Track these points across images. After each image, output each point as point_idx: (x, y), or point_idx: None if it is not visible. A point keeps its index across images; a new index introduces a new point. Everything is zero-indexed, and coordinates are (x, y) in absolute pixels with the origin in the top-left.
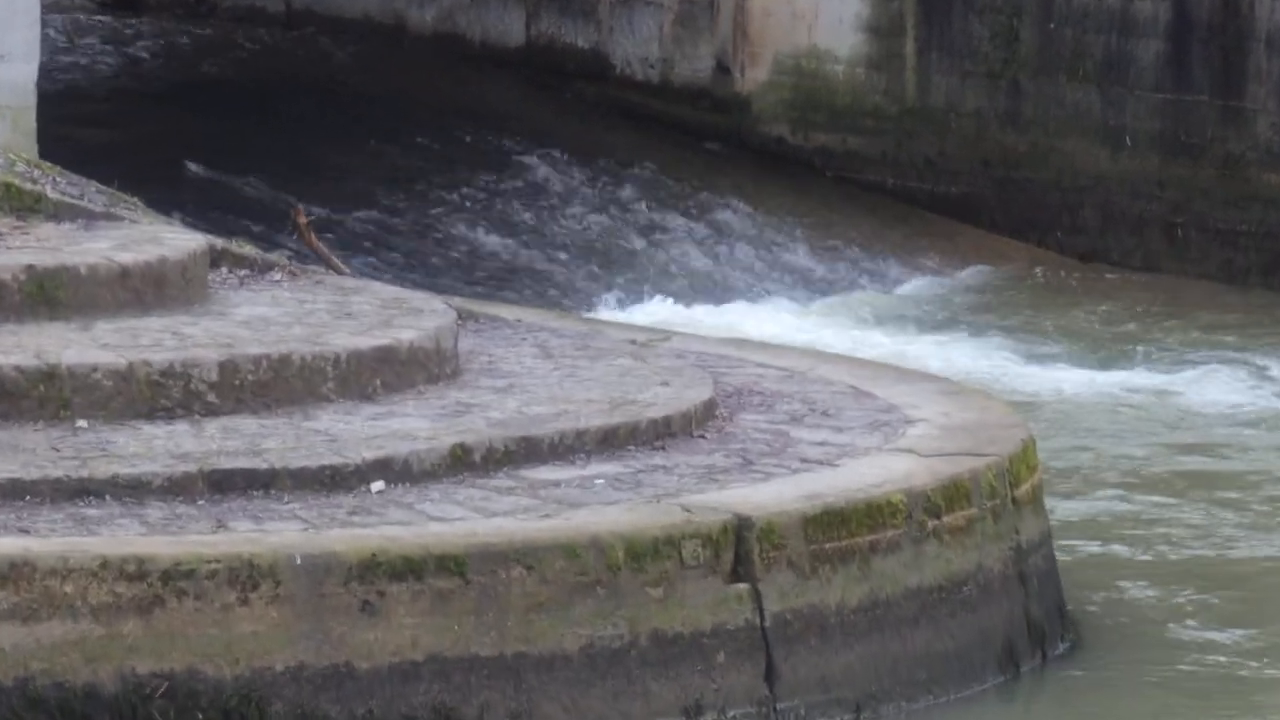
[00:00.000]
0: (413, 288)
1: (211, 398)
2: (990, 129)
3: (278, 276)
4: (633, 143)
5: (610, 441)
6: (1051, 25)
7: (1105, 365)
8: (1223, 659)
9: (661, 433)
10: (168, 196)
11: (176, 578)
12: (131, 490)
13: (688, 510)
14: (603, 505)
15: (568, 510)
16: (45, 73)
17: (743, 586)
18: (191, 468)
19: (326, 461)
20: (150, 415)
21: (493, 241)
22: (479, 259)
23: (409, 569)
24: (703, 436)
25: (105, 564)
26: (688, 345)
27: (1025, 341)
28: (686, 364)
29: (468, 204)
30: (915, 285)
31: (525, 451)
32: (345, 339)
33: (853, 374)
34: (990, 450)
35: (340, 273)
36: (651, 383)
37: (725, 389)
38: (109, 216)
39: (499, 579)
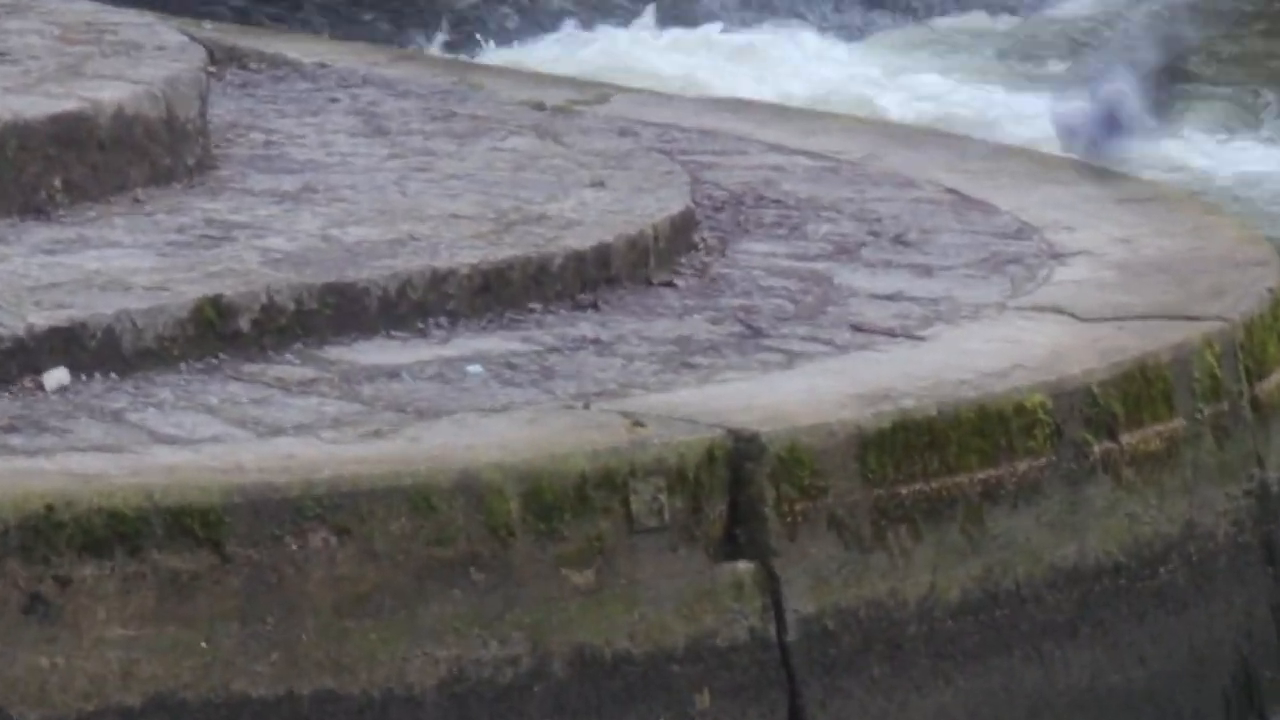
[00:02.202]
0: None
1: None
2: None
3: None
4: None
5: (496, 294)
6: None
7: None
8: None
9: (592, 278)
10: None
11: None
12: None
13: (639, 423)
14: (481, 415)
15: (415, 424)
16: None
17: (745, 567)
18: None
19: None
20: None
21: None
22: None
23: (116, 535)
24: (669, 284)
25: None
26: (641, 111)
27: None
28: (639, 147)
29: None
30: (1065, 7)
31: (336, 313)
32: None
33: (950, 165)
34: (1210, 310)
35: None
36: (574, 183)
37: (713, 195)
38: None
39: (287, 553)
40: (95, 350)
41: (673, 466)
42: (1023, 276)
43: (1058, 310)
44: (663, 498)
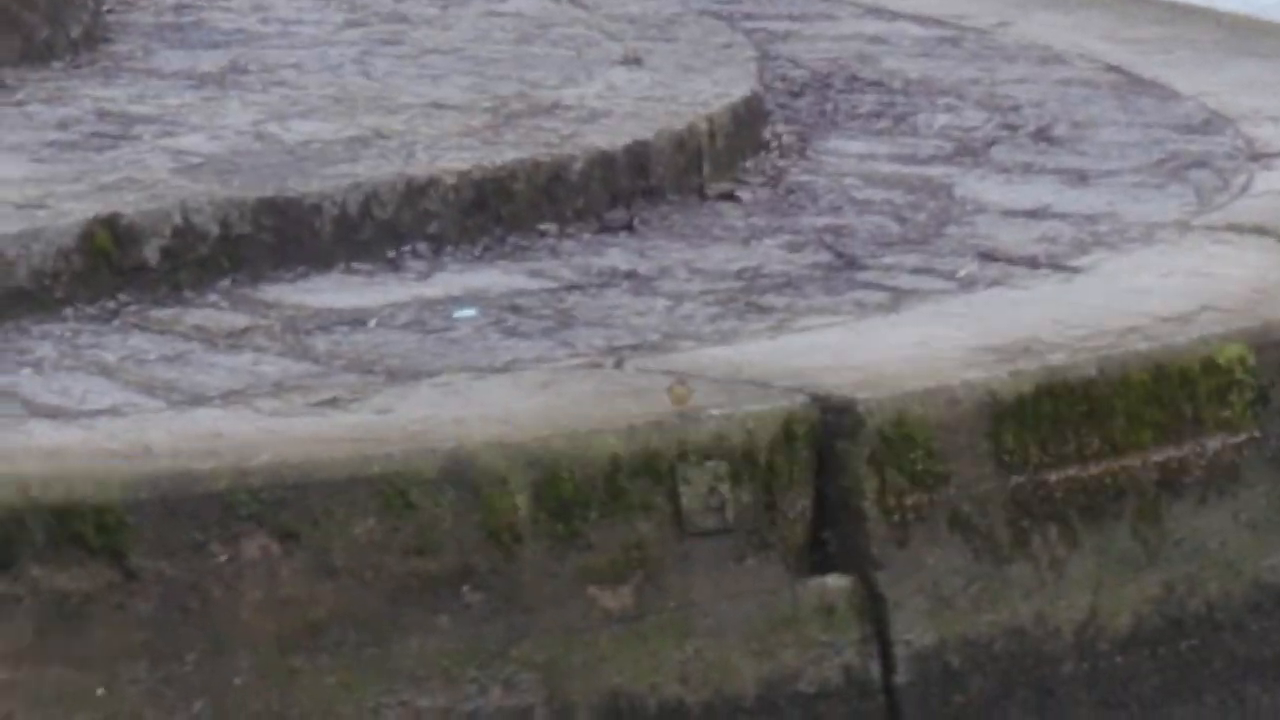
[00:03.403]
0: None
1: None
2: None
3: None
4: None
5: (494, 212)
6: None
7: None
8: None
9: (625, 189)
10: None
11: None
12: None
13: (686, 387)
14: (476, 377)
15: (386, 390)
16: None
17: (838, 584)
18: None
19: None
20: None
21: None
22: None
23: None
24: (731, 197)
25: None
26: None
27: None
28: (688, 9)
29: None
30: None
31: (276, 239)
32: None
33: (1111, 32)
34: None
35: None
36: (599, 59)
37: (789, 75)
38: None
39: (213, 567)
40: None
41: (737, 447)
42: (1212, 185)
43: (1261, 231)
44: (724, 490)
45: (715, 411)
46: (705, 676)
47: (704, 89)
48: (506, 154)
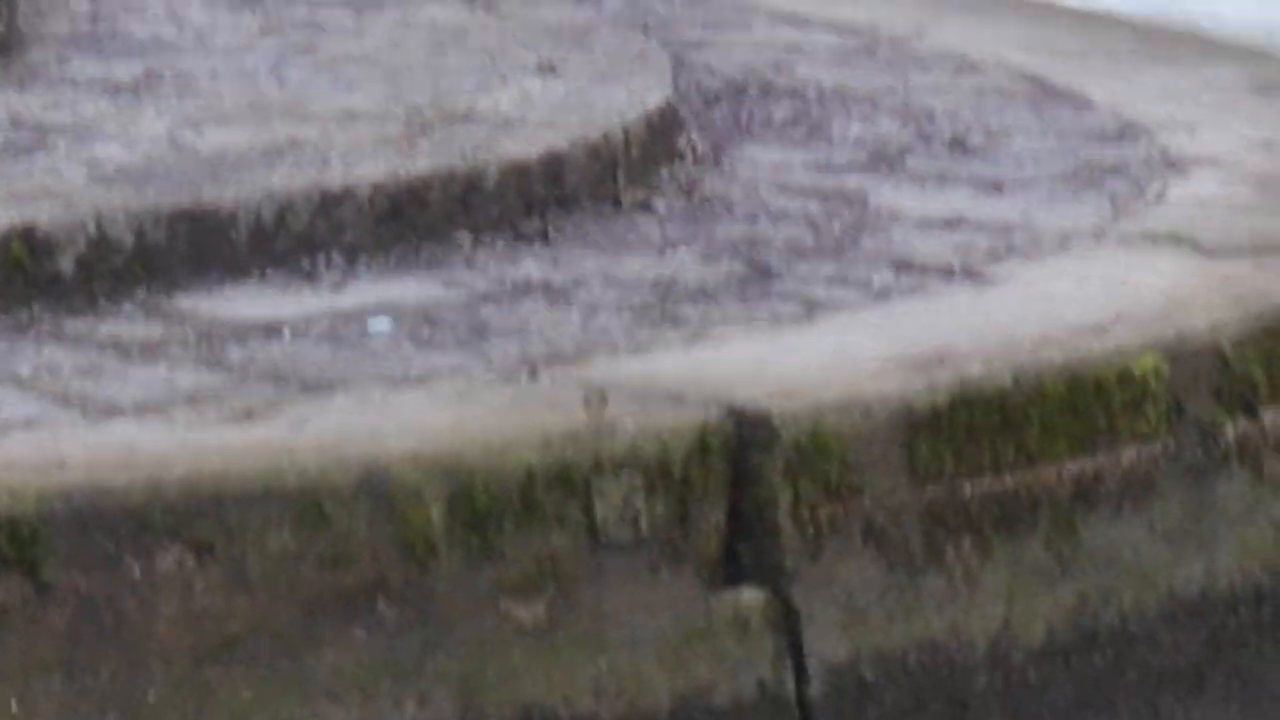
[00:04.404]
0: None
1: None
2: None
3: None
4: None
5: (408, 222)
6: None
7: None
8: None
9: (540, 198)
10: None
11: None
12: None
13: (601, 398)
14: (390, 389)
15: (300, 402)
16: None
17: (752, 596)
18: None
19: None
20: None
21: None
22: None
23: None
24: (646, 207)
25: None
26: None
27: None
28: (602, 18)
29: None
30: None
31: (190, 249)
32: None
33: (1027, 41)
34: None
35: None
36: (514, 68)
37: (704, 84)
38: None
39: (127, 580)
40: None
41: (651, 459)
42: (1127, 194)
43: (1176, 240)
44: (638, 502)
45: (630, 424)
46: (619, 690)
47: (619, 98)
48: (421, 163)
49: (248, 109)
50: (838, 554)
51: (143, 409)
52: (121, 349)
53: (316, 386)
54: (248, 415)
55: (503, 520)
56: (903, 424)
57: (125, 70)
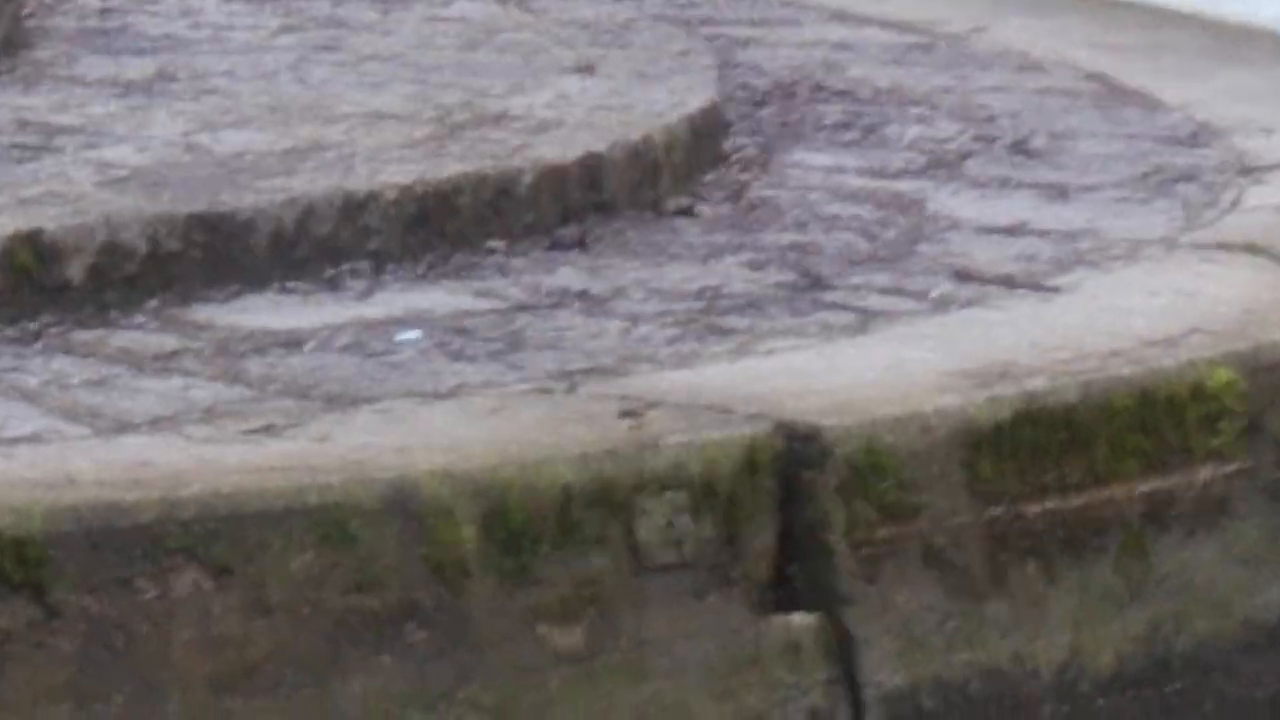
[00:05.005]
0: None
1: None
2: None
3: None
4: None
5: (438, 228)
6: None
7: None
8: None
9: (577, 204)
10: None
11: None
12: None
13: (639, 415)
14: (420, 403)
15: (324, 416)
16: None
17: (803, 622)
18: None
19: None
20: None
21: None
22: None
23: None
24: (689, 213)
25: None
26: None
27: None
28: (643, 15)
29: None
30: None
31: (207, 256)
32: None
33: (1093, 39)
34: None
35: None
36: (549, 67)
37: (751, 84)
38: None
39: (140, 604)
40: None
41: (696, 477)
42: (1200, 201)
43: (1252, 249)
44: (682, 522)
45: (673, 439)
46: (674, 713)
47: (660, 98)
48: (451, 167)
49: (267, 110)
50: (895, 577)
51: (156, 424)
52: (134, 361)
53: (341, 401)
54: (268, 431)
55: (539, 541)
56: (963, 441)
57: (137, 69)
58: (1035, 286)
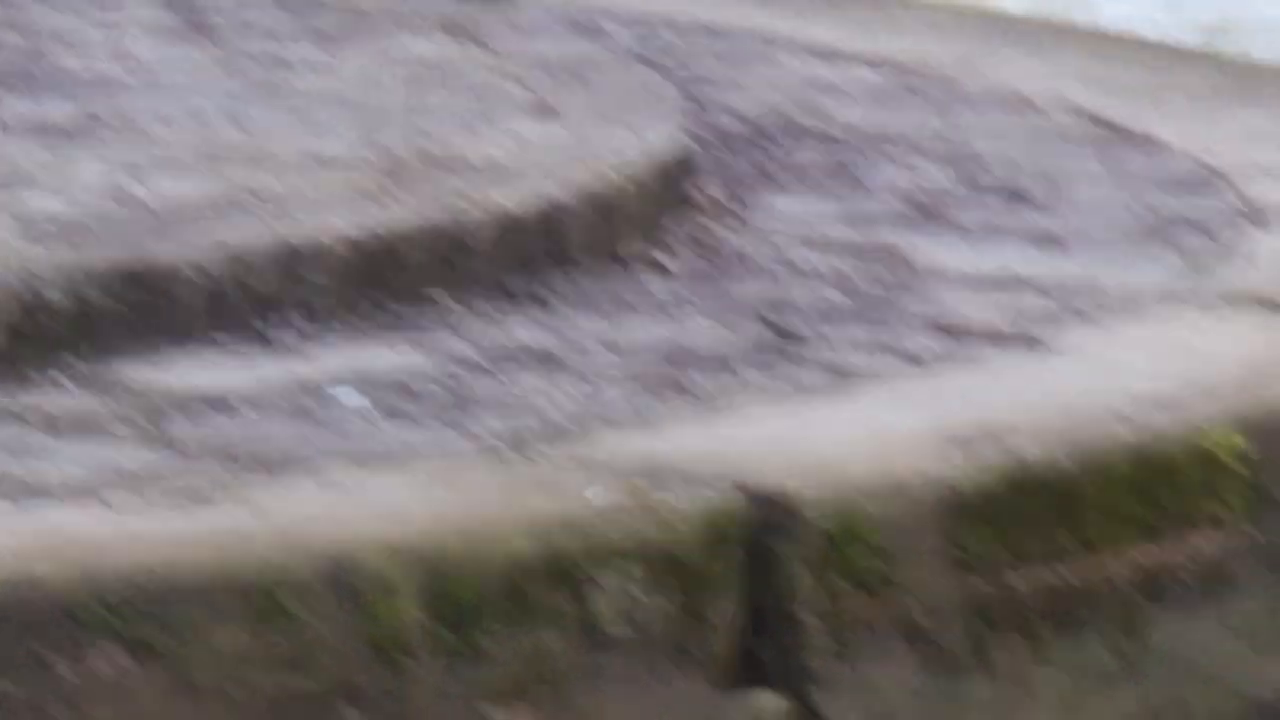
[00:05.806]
0: None
1: None
2: None
3: None
4: None
5: (383, 281)
6: None
7: None
8: None
9: (534, 254)
10: None
11: None
12: None
13: (590, 478)
14: (361, 468)
15: (258, 483)
16: None
17: (772, 703)
18: None
19: None
20: None
21: None
22: None
23: None
24: (654, 264)
25: None
26: None
27: None
28: (607, 52)
29: None
30: None
31: (134, 312)
32: None
33: (1090, 76)
34: None
35: None
36: (505, 108)
37: (722, 125)
38: None
39: (56, 685)
40: None
41: (656, 547)
42: (1204, 250)
43: (1258, 302)
44: (641, 595)
45: (632, 507)
46: None
47: (624, 141)
48: (398, 215)
49: (200, 155)
50: (870, 655)
51: (75, 491)
52: (51, 423)
53: (275, 466)
54: (195, 498)
55: (487, 616)
56: (945, 508)
57: (61, 111)
58: (1026, 342)
